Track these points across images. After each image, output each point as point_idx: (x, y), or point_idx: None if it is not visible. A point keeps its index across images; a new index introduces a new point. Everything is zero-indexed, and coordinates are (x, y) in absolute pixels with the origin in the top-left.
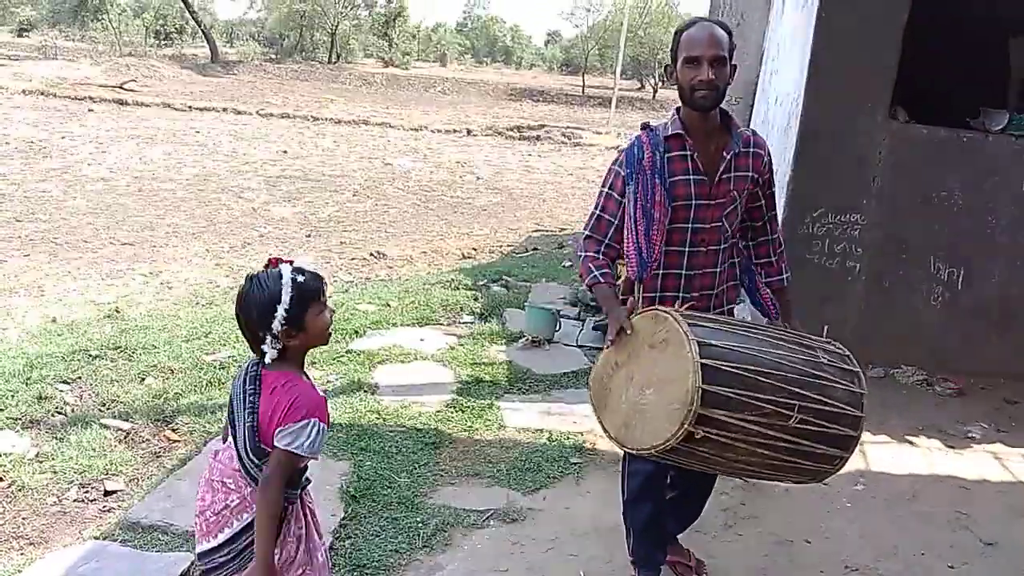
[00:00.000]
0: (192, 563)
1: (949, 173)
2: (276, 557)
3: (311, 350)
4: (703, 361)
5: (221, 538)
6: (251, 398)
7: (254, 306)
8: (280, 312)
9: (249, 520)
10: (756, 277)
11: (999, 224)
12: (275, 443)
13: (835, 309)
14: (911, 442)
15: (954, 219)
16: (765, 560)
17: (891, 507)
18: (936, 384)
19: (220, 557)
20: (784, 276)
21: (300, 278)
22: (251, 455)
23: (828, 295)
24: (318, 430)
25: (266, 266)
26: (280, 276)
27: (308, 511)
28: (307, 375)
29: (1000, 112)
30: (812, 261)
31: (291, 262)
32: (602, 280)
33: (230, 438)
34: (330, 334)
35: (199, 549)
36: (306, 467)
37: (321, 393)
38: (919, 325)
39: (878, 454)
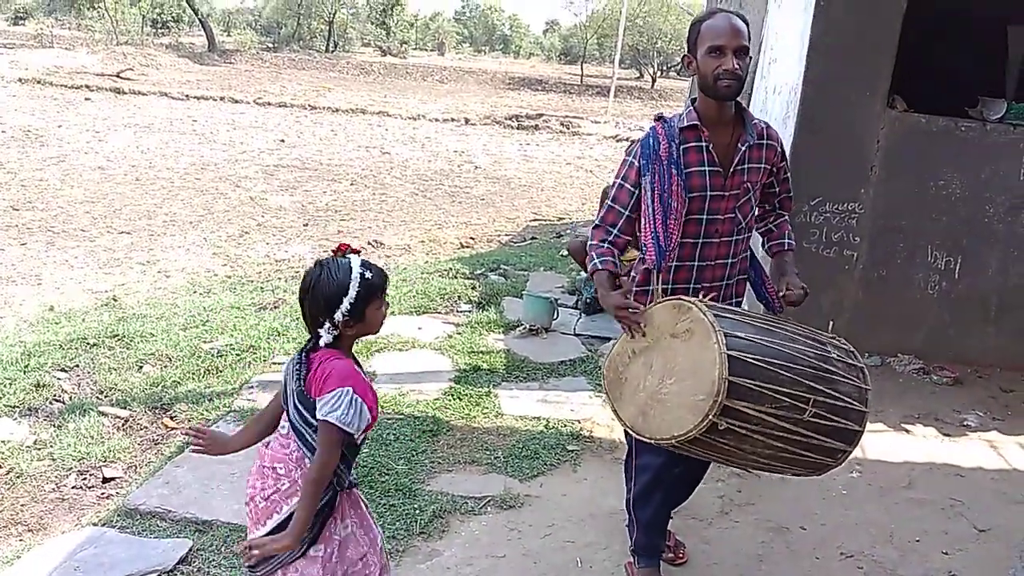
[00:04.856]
0: (190, 548)
1: (947, 162)
2: (319, 549)
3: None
4: (730, 353)
5: (270, 525)
6: (298, 371)
7: (322, 294)
8: (345, 304)
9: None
10: (761, 271)
11: (996, 213)
12: (317, 415)
13: (832, 298)
14: (907, 430)
15: (951, 208)
16: (761, 547)
17: (886, 494)
18: (932, 373)
19: None
20: (786, 241)
21: (368, 273)
22: (300, 418)
23: (825, 284)
24: (350, 400)
25: (335, 251)
26: (350, 269)
27: (357, 520)
28: (355, 358)
29: (998, 101)
30: (809, 250)
31: (358, 252)
32: (601, 267)
33: (281, 426)
34: (382, 324)
35: (250, 537)
36: (356, 449)
37: (365, 376)
38: (916, 314)
39: (874, 442)
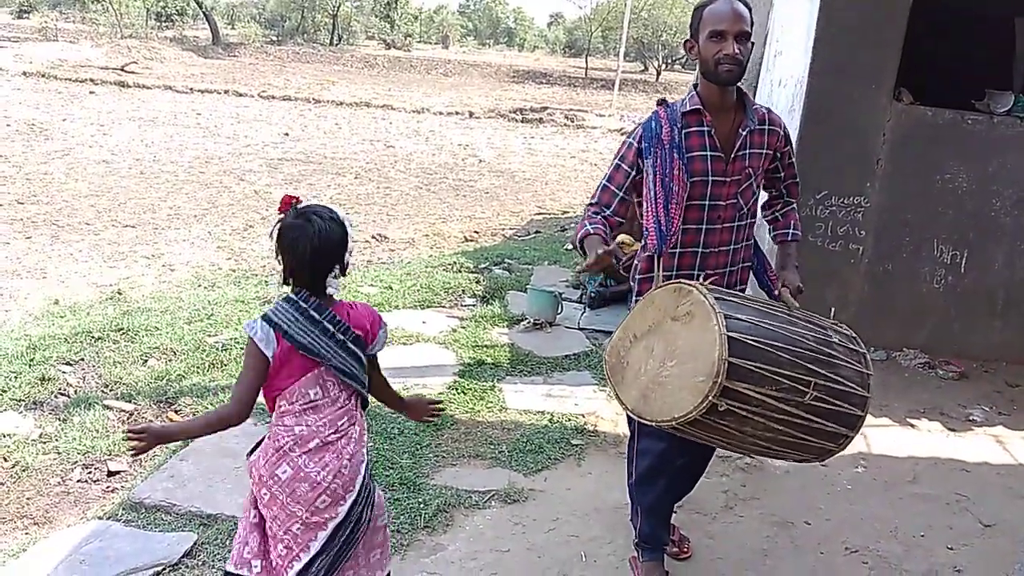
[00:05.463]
0: (195, 542)
1: (953, 155)
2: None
3: None
4: (730, 334)
5: (350, 498)
6: (338, 324)
7: (337, 240)
8: (350, 244)
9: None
10: (764, 260)
11: (1003, 207)
12: (373, 351)
13: (838, 292)
14: (912, 425)
15: (958, 202)
16: (766, 541)
17: (891, 489)
18: (938, 367)
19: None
20: (791, 231)
21: (343, 213)
22: (357, 362)
23: (831, 278)
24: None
25: (287, 206)
26: (334, 212)
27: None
28: None
29: (1006, 94)
30: (815, 244)
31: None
32: (593, 232)
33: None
34: None
35: (334, 517)
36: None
37: None
38: (922, 308)
39: (879, 437)
